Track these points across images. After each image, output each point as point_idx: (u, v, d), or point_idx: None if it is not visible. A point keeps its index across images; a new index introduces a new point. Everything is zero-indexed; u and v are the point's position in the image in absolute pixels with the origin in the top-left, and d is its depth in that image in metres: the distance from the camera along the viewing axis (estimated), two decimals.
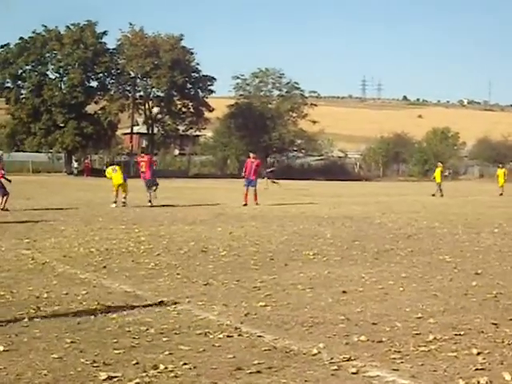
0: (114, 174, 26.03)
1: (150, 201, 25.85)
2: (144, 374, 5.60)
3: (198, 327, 7.21)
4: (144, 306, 8.21)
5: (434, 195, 38.77)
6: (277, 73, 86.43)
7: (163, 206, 25.74)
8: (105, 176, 27.09)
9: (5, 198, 22.80)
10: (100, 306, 8.21)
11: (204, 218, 20.81)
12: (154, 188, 26.55)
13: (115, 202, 25.01)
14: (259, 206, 26.41)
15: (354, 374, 5.70)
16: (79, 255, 12.63)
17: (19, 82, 73.00)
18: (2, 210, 22.21)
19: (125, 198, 25.43)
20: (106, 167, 26.09)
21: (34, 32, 72.55)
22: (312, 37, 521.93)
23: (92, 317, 7.66)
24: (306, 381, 5.51)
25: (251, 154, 30.00)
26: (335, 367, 5.84)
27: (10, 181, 23.68)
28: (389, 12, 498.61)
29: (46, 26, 73.10)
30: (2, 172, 23.73)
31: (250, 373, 5.68)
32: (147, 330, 7.08)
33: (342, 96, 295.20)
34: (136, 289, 9.35)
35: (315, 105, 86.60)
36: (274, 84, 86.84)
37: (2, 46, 71.94)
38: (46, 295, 8.83)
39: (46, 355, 6.11)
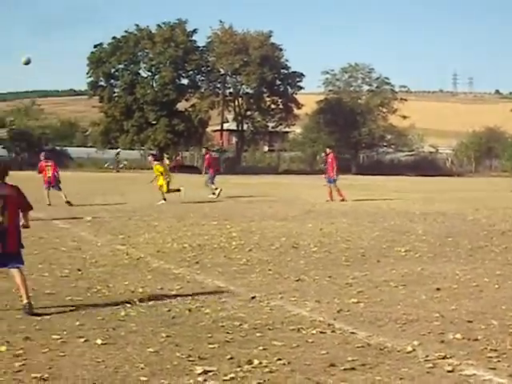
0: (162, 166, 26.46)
1: (213, 193, 27.64)
2: (239, 369, 5.66)
3: (291, 323, 7.24)
4: (237, 302, 8.29)
5: None
6: (366, 68, 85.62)
7: (252, 201, 25.90)
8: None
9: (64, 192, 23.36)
10: (194, 300, 8.33)
11: (294, 214, 20.82)
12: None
13: (165, 199, 24.64)
14: (347, 202, 25.91)
15: (449, 372, 5.63)
16: (172, 251, 12.83)
17: (112, 80, 74.46)
18: (66, 203, 22.69)
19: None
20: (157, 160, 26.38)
21: (126, 31, 73.89)
22: (402, 31, 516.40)
23: (186, 311, 7.78)
24: (400, 378, 5.47)
25: (327, 150, 28.77)
26: (430, 365, 5.78)
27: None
28: (480, 4, 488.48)
29: (138, 25, 74.40)
30: (57, 169, 24.23)
31: (344, 369, 5.68)
32: (241, 325, 7.15)
33: (432, 90, 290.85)
34: (229, 284, 9.45)
35: (405, 100, 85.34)
36: (364, 79, 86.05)
37: (96, 46, 73.49)
38: (141, 290, 9.01)
39: (142, 349, 6.24)
